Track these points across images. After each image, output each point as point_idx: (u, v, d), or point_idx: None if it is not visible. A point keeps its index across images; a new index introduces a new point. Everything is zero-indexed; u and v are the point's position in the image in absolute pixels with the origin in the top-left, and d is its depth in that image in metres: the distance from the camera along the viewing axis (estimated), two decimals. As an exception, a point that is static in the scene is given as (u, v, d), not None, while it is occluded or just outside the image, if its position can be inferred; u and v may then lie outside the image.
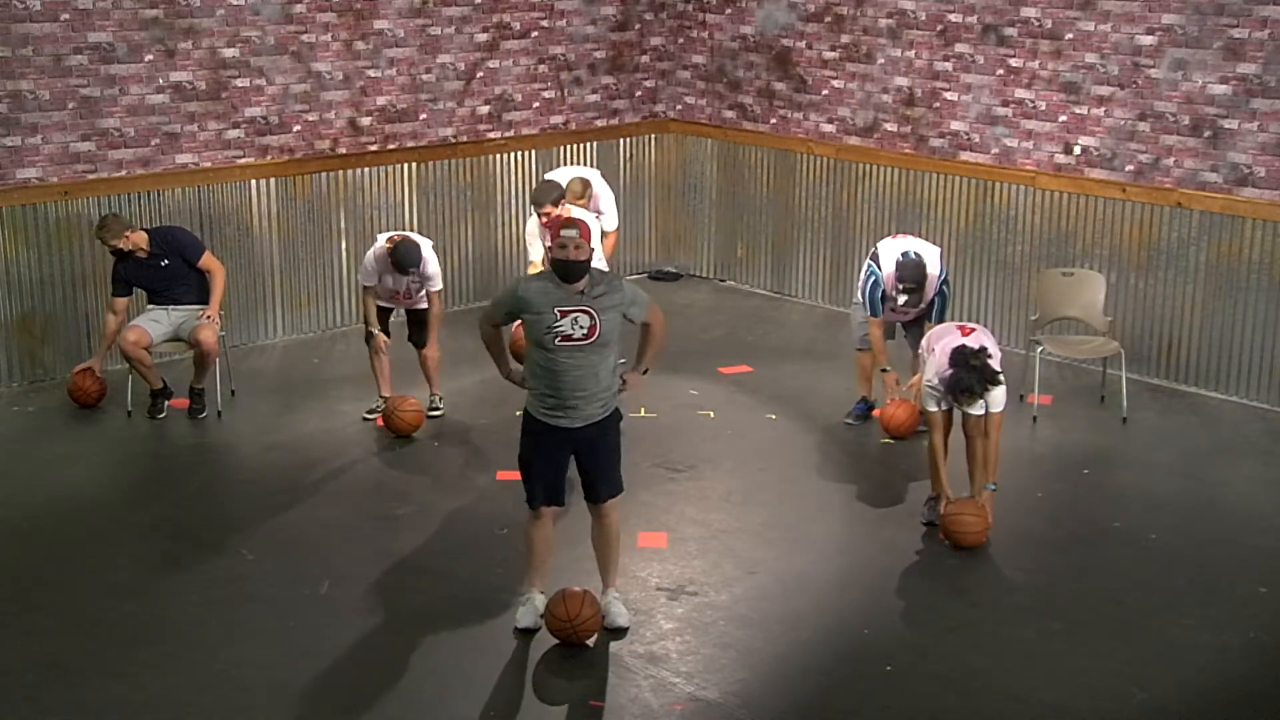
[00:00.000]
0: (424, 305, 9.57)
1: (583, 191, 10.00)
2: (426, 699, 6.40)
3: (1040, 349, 9.69)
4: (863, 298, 9.18)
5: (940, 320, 8.92)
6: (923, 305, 8.98)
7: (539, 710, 6.36)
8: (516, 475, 6.93)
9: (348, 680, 6.52)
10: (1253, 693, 6.53)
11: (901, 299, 8.89)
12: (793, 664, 6.70)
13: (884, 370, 9.10)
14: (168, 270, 9.60)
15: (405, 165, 11.53)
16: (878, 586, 7.43)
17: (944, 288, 9.10)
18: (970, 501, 7.81)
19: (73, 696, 6.38)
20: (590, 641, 6.76)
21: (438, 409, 9.62)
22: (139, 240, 9.51)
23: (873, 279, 9.06)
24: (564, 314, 6.41)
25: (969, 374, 7.51)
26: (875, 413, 9.46)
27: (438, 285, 9.47)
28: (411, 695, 6.42)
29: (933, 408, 7.86)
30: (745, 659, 6.72)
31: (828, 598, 7.30)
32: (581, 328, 6.41)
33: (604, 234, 10.02)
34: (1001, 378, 7.64)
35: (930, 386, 7.83)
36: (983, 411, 7.79)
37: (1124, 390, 9.68)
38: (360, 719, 6.25)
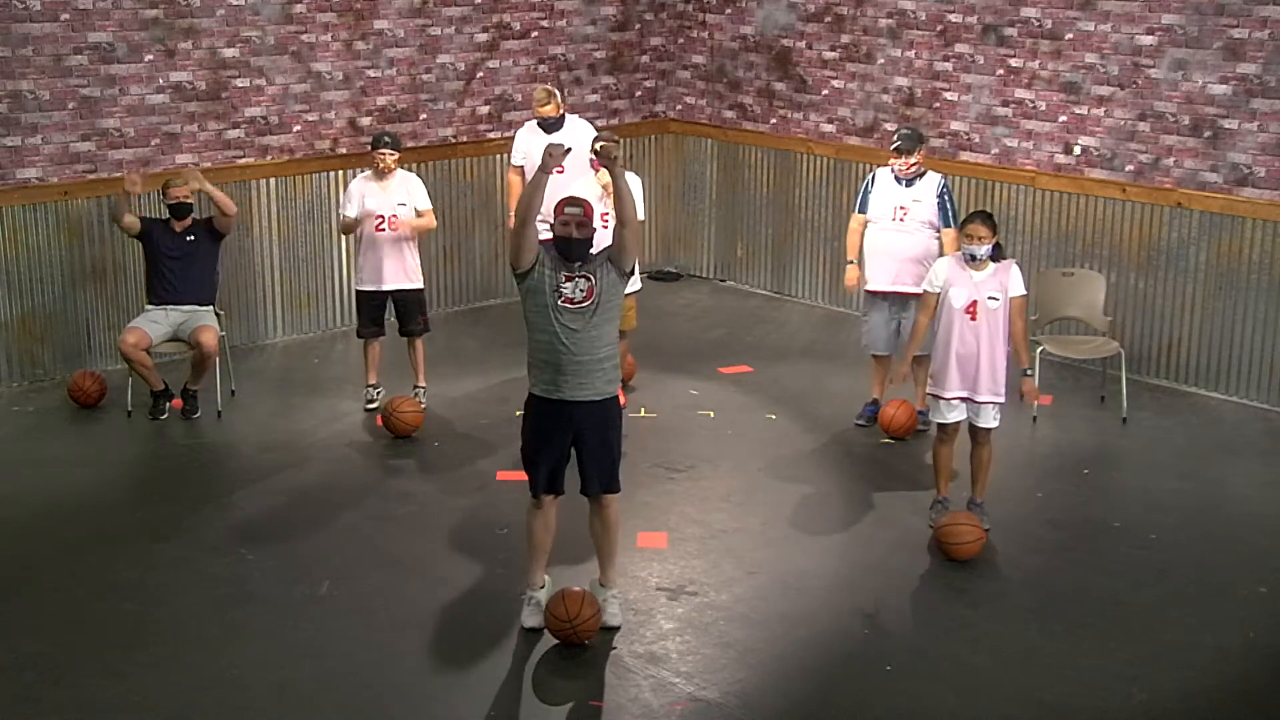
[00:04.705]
0: (411, 286, 9.65)
1: (546, 100, 10.08)
2: (426, 699, 6.39)
3: (1040, 349, 9.68)
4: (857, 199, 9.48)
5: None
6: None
7: (539, 710, 6.36)
8: (516, 475, 6.93)
9: (348, 680, 6.52)
10: (1253, 693, 6.53)
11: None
12: (793, 664, 6.70)
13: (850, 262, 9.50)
14: (189, 246, 9.59)
15: (405, 166, 11.50)
16: (877, 586, 7.43)
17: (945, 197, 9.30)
18: (965, 513, 7.81)
19: (73, 696, 6.38)
20: (590, 641, 6.76)
21: (420, 401, 9.61)
22: (186, 193, 9.58)
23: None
24: (568, 278, 6.69)
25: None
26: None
27: (426, 204, 9.71)
28: (411, 695, 6.41)
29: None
30: (745, 659, 6.71)
31: (828, 598, 7.30)
32: (581, 290, 6.68)
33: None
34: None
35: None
36: (992, 425, 7.83)
37: (1124, 390, 9.68)
38: (360, 719, 6.26)
